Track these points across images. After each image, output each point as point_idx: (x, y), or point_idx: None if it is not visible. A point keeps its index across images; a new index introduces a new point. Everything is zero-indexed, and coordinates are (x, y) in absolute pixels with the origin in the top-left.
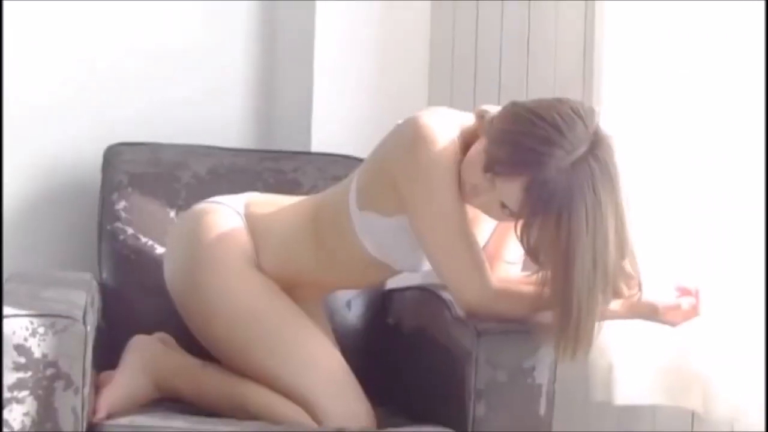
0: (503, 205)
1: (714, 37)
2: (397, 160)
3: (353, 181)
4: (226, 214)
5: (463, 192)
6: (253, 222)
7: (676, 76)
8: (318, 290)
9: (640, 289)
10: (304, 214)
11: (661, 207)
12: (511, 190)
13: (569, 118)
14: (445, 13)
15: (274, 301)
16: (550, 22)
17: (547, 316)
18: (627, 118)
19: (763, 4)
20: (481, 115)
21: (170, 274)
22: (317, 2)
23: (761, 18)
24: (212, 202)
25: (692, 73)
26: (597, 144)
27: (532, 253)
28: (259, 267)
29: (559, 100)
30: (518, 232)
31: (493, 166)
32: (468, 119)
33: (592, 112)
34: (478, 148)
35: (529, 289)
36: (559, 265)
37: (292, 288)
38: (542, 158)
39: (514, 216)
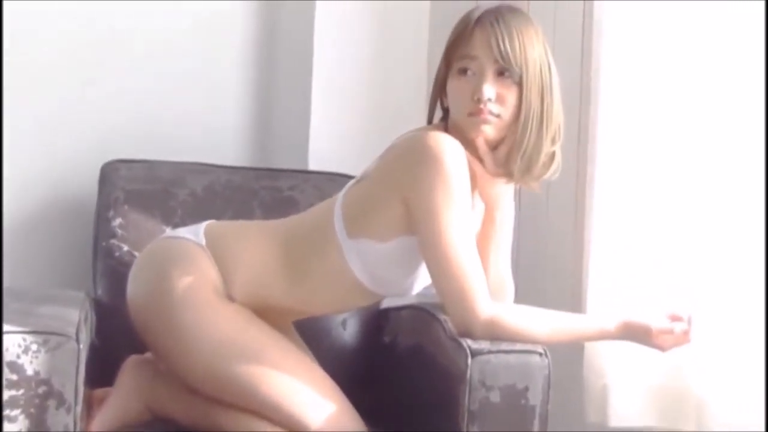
0: (499, 73)
1: (712, 38)
2: (409, 174)
3: (336, 207)
4: (188, 248)
5: (473, 132)
6: (218, 252)
7: (673, 77)
8: (290, 316)
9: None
10: (276, 241)
11: (658, 210)
12: (481, 46)
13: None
14: (443, 33)
15: (251, 328)
16: (548, 26)
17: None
18: (624, 119)
19: (762, 4)
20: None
21: (138, 315)
22: (315, 21)
23: (761, 18)
24: (171, 237)
25: (690, 74)
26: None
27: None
28: (229, 297)
29: None
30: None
31: (454, 54)
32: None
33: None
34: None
35: (520, 322)
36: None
37: (263, 313)
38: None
39: (510, 74)
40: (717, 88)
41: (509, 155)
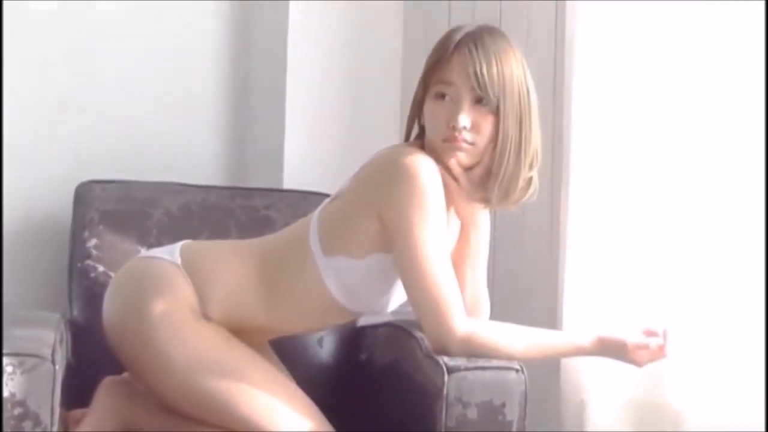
0: (477, 101)
1: (685, 43)
2: (383, 191)
3: (312, 225)
4: (164, 267)
5: (445, 158)
6: (194, 271)
7: (647, 73)
8: (266, 334)
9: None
10: (251, 260)
11: (633, 221)
12: (458, 72)
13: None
14: (416, 53)
15: (227, 346)
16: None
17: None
18: (598, 131)
19: (738, 4)
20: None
21: (114, 334)
22: (288, 42)
23: (736, 19)
24: (146, 257)
25: (664, 80)
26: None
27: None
28: (205, 316)
29: None
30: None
31: (431, 78)
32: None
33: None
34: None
35: (495, 338)
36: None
37: (239, 332)
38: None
39: (486, 102)
40: (692, 94)
41: (486, 180)
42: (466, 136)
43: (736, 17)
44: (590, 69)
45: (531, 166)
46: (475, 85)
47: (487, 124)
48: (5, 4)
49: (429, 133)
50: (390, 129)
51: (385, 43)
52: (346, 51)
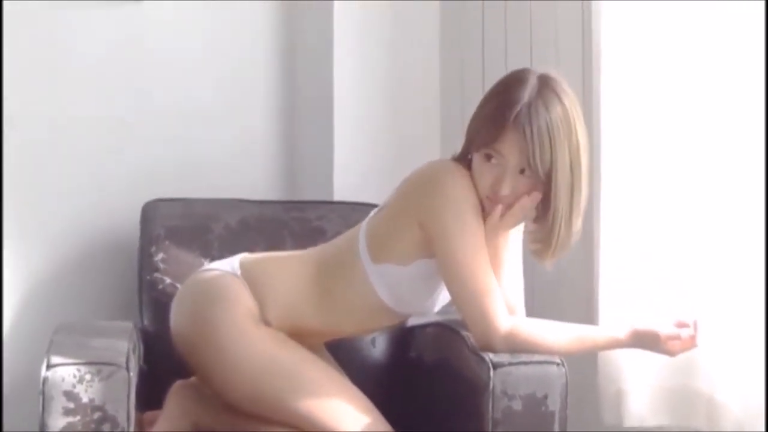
0: (522, 171)
1: (713, 35)
2: (423, 201)
3: (360, 235)
4: (225, 279)
5: (487, 210)
6: (253, 281)
7: (675, 75)
8: (321, 337)
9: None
10: (307, 268)
11: (664, 220)
12: (510, 149)
13: (506, 78)
14: (454, 67)
15: (288, 349)
16: (550, 53)
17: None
18: (629, 128)
19: (762, 4)
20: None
21: (182, 342)
22: (335, 63)
23: (761, 17)
24: (209, 270)
25: (691, 71)
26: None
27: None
28: (265, 322)
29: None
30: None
31: (484, 141)
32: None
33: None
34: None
35: (536, 333)
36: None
37: (297, 336)
38: (505, 108)
39: (533, 175)
40: (720, 95)
41: (539, 238)
42: (507, 198)
43: (763, 20)
44: (618, 68)
45: (579, 220)
46: (525, 167)
47: (528, 187)
48: (79, 34)
49: (475, 181)
50: (431, 141)
51: (422, 61)
52: (387, 69)
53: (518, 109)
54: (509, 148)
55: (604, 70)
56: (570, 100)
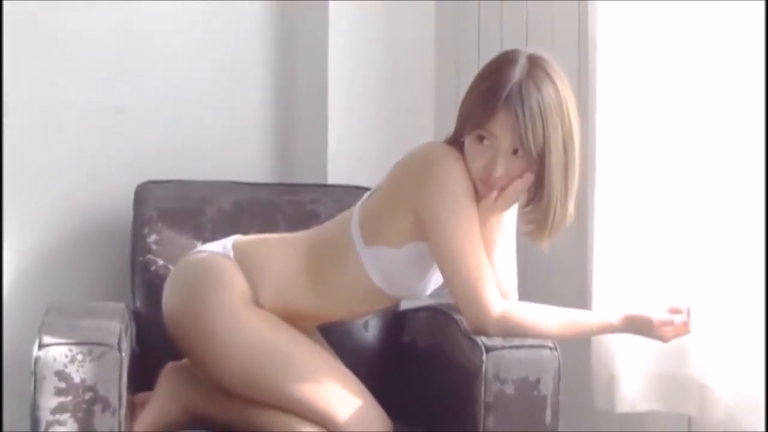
0: (515, 151)
1: (709, 29)
2: (416, 185)
3: (353, 218)
4: (218, 261)
5: (480, 193)
6: (245, 263)
7: (670, 73)
8: (314, 320)
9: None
10: (299, 250)
11: (658, 207)
12: (502, 129)
13: (496, 59)
14: (449, 53)
15: (281, 332)
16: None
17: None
18: (624, 118)
19: (762, 4)
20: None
21: (174, 324)
22: (330, 47)
23: (759, 15)
24: (202, 251)
25: (686, 66)
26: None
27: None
28: (257, 304)
29: None
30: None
31: (476, 122)
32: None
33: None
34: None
35: (529, 317)
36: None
37: (289, 319)
38: (497, 85)
39: (526, 155)
40: (715, 91)
41: (533, 218)
42: (500, 180)
43: (762, 17)
44: (614, 65)
45: (573, 201)
46: (518, 147)
47: (522, 168)
48: (73, 19)
49: (468, 163)
50: (423, 126)
51: (418, 45)
52: (382, 53)
53: (509, 88)
54: (501, 129)
55: (600, 67)
56: (561, 80)
